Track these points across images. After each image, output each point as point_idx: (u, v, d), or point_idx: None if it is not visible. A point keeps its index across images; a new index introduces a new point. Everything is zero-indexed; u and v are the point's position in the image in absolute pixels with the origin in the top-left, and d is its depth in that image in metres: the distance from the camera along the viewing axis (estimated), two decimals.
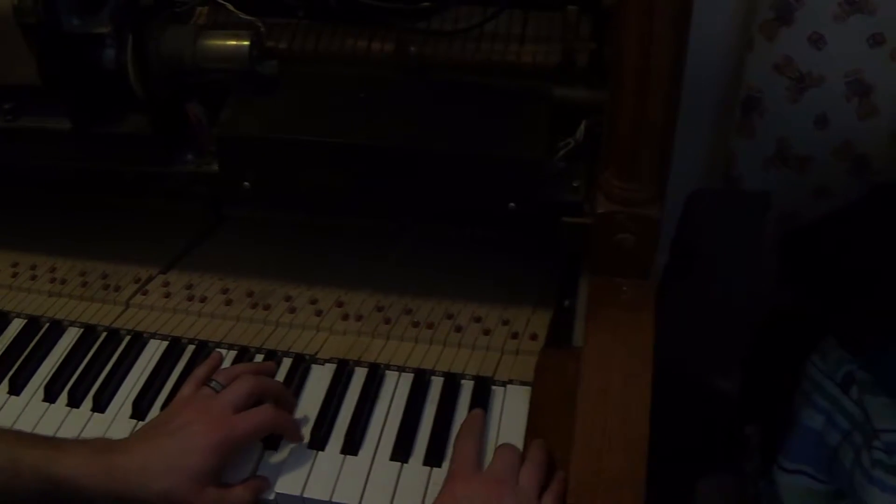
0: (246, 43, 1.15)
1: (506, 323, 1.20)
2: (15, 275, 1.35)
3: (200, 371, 1.10)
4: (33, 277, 1.34)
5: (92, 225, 1.42)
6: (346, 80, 1.19)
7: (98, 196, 1.40)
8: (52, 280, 1.33)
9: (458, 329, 1.20)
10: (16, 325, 1.27)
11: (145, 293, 1.30)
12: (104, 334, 1.24)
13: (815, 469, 1.49)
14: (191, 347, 1.21)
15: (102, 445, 1.01)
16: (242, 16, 1.19)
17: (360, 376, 1.15)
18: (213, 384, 1.06)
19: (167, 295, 1.29)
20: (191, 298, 1.28)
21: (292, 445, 1.08)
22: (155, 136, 1.19)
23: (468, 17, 1.20)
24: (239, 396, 1.04)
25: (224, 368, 1.12)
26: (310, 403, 1.13)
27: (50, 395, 1.16)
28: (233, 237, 1.40)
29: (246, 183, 1.16)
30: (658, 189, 1.08)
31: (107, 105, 1.19)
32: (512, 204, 1.11)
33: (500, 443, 1.05)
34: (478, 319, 1.21)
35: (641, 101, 1.01)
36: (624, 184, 1.07)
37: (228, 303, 1.27)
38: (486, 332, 1.19)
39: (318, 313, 1.24)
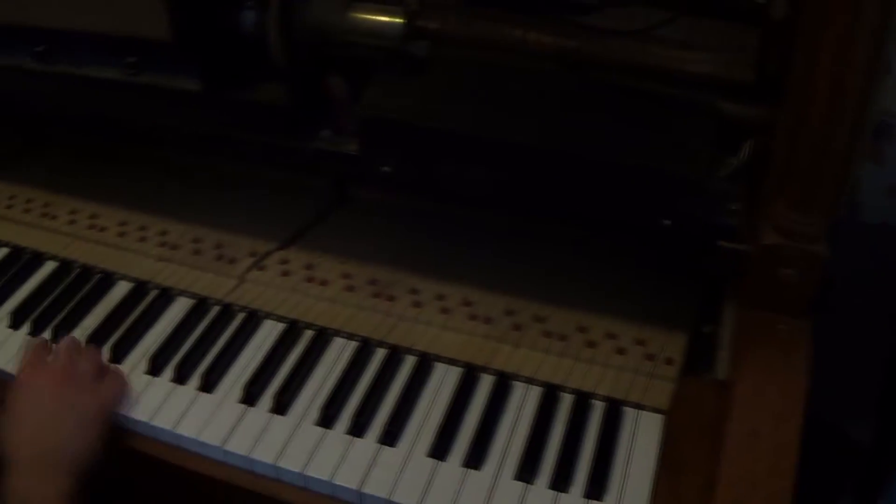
0: (400, 20, 1.10)
1: (641, 343, 1.13)
2: (122, 234, 1.30)
3: None
4: (142, 239, 1.29)
5: (208, 190, 1.37)
6: (499, 69, 1.13)
7: (220, 163, 1.34)
8: (163, 244, 1.28)
9: (591, 344, 1.13)
10: (121, 289, 1.23)
11: (262, 269, 1.24)
12: (217, 309, 1.19)
13: None
14: (309, 333, 1.15)
15: None
16: None
17: (486, 384, 1.09)
18: None
19: (285, 273, 1.23)
20: (310, 280, 1.22)
21: (407, 450, 1.02)
22: (291, 107, 1.14)
23: (630, 16, 1.13)
24: None
25: None
26: (434, 408, 1.07)
27: (154, 368, 1.11)
28: (356, 220, 1.34)
29: (385, 168, 1.11)
30: (830, 224, 1.02)
31: (241, 70, 1.14)
32: (667, 221, 1.06)
33: (629, 468, 1.00)
34: (612, 336, 1.14)
35: (829, 127, 0.94)
36: (797, 216, 1.00)
37: (350, 289, 1.21)
38: (621, 352, 1.12)
39: (445, 311, 1.17)
